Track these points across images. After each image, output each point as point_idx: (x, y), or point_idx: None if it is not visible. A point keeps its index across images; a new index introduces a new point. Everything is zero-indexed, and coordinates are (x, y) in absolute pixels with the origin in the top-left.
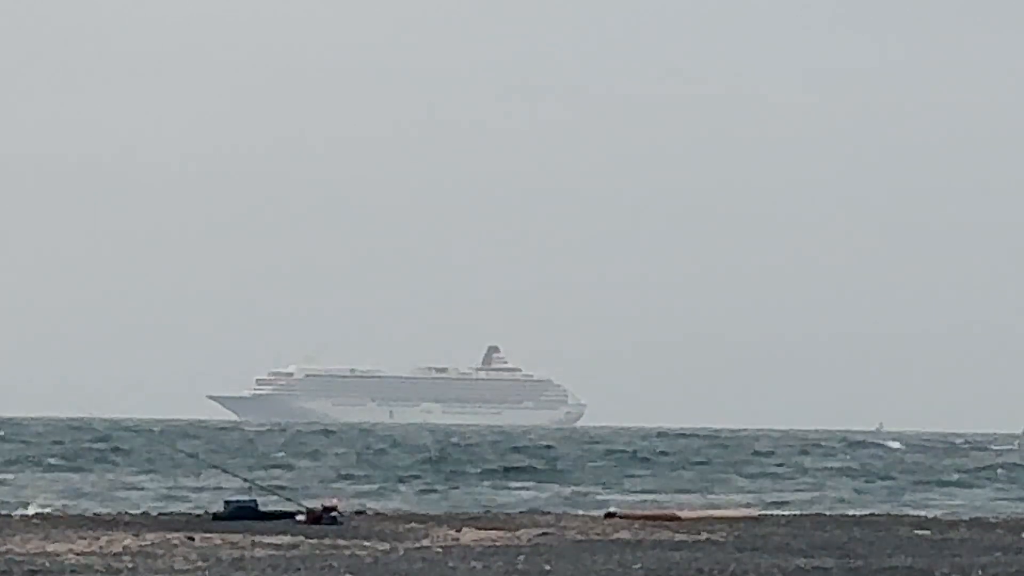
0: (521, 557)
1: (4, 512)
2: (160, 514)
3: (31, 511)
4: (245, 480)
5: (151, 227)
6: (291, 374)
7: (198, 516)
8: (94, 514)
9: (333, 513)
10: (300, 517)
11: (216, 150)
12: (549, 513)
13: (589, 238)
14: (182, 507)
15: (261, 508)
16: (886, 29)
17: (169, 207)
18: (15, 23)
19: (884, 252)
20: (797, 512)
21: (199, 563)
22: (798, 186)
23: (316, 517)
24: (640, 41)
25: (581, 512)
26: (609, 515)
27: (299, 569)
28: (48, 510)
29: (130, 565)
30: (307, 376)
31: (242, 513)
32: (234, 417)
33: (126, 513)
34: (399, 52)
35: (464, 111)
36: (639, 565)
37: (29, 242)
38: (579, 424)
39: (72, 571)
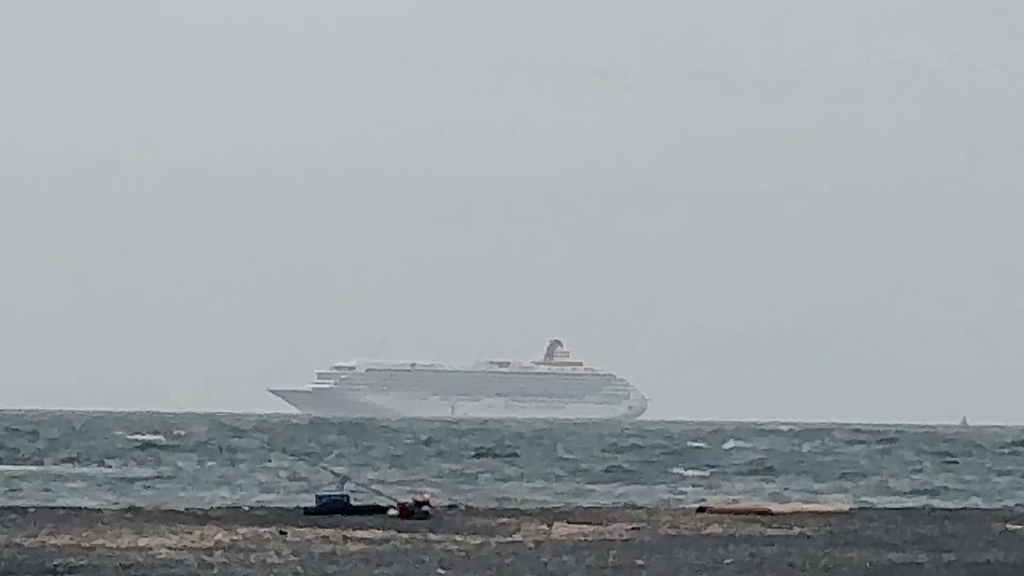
0: (613, 552)
1: (97, 507)
2: (252, 508)
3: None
4: (337, 474)
5: (214, 223)
6: (353, 368)
7: (290, 510)
8: (186, 508)
9: (425, 507)
10: (392, 511)
11: (278, 148)
12: (641, 508)
13: (653, 231)
14: (275, 501)
15: (353, 503)
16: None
17: (231, 204)
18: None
19: (955, 242)
20: (889, 507)
21: (291, 558)
22: (861, 179)
23: (408, 511)
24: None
25: (673, 506)
26: (701, 509)
27: (391, 563)
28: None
29: (222, 560)
30: (369, 370)
31: (334, 507)
32: (295, 411)
33: (218, 508)
34: (451, 48)
35: (522, 106)
36: (731, 560)
37: (105, 238)
38: (641, 418)
39: (164, 565)
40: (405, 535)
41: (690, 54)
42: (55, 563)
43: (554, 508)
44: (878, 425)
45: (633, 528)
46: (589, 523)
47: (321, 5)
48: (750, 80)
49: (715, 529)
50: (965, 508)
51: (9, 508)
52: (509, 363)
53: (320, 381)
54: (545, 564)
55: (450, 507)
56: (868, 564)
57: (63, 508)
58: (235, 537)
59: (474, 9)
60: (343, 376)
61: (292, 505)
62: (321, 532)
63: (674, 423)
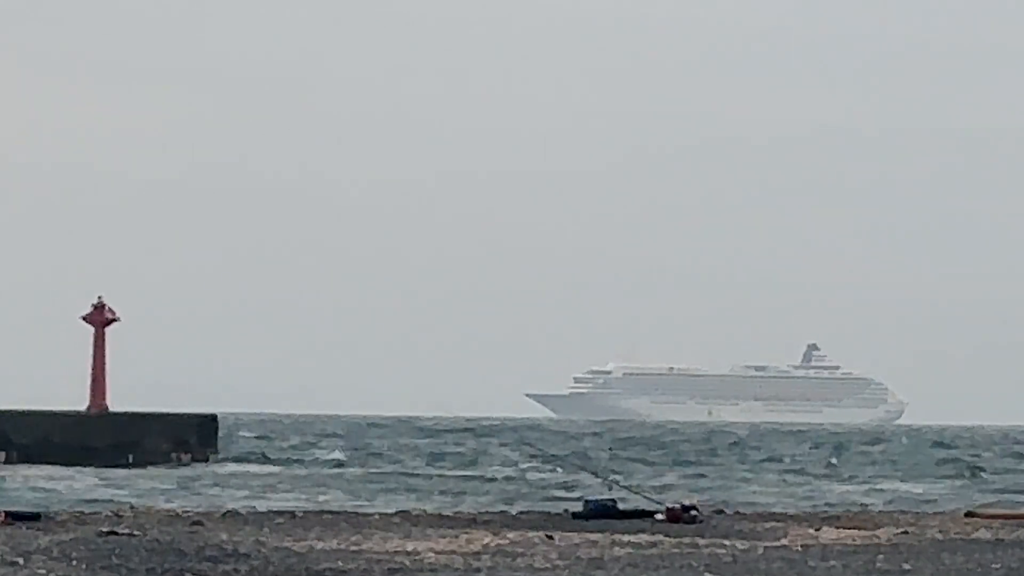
0: (880, 556)
1: (364, 511)
2: (520, 513)
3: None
4: (605, 479)
5: (481, 235)
6: (609, 372)
7: (558, 515)
8: (454, 512)
9: (693, 512)
10: (659, 516)
11: (551, 162)
12: (908, 512)
13: (909, 237)
14: (542, 505)
15: (621, 507)
16: None
17: (498, 219)
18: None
19: None
20: None
21: (558, 562)
22: None
23: (676, 516)
24: None
25: (940, 511)
26: (969, 514)
27: (658, 568)
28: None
29: (489, 564)
30: (625, 374)
31: (601, 512)
32: (552, 415)
33: (486, 511)
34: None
35: (791, 115)
36: (999, 564)
37: (372, 257)
38: (899, 422)
39: (431, 569)
40: (672, 540)
41: None
42: (323, 567)
43: (822, 512)
44: None
45: (901, 532)
46: (857, 527)
47: None
48: None
49: (983, 534)
50: None
51: (277, 512)
52: (766, 367)
53: (576, 385)
54: (812, 569)
55: (718, 511)
56: None
57: (330, 512)
58: (502, 541)
59: None
60: (600, 380)
61: (560, 509)
62: (588, 536)
63: (934, 427)
